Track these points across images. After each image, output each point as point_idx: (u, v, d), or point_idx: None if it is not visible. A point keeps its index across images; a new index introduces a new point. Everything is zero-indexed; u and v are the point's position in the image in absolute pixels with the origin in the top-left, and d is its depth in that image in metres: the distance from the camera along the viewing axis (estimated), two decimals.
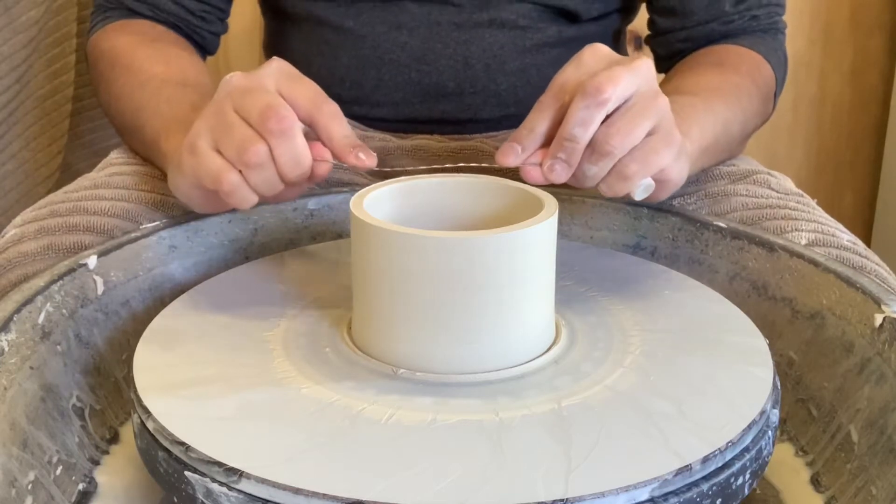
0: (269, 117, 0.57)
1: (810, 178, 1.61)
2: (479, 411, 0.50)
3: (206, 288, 0.64)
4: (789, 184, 0.80)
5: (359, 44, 0.88)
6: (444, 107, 0.90)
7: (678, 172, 0.63)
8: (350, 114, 0.91)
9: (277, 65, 0.62)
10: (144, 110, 0.75)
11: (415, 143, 0.88)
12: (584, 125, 0.58)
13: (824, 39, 1.55)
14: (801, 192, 0.79)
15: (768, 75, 0.85)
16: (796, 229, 0.71)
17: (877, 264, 0.70)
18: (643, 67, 0.60)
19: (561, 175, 0.59)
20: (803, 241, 0.70)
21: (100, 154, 0.85)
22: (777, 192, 0.77)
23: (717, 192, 0.77)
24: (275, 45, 0.97)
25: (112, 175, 0.76)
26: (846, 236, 0.72)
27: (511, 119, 0.91)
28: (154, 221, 0.71)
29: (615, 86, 0.58)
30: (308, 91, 0.61)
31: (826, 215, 0.76)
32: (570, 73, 0.61)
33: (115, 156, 0.82)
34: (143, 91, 0.77)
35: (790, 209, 0.74)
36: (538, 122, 0.61)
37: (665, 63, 0.91)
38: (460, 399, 0.51)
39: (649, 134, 0.60)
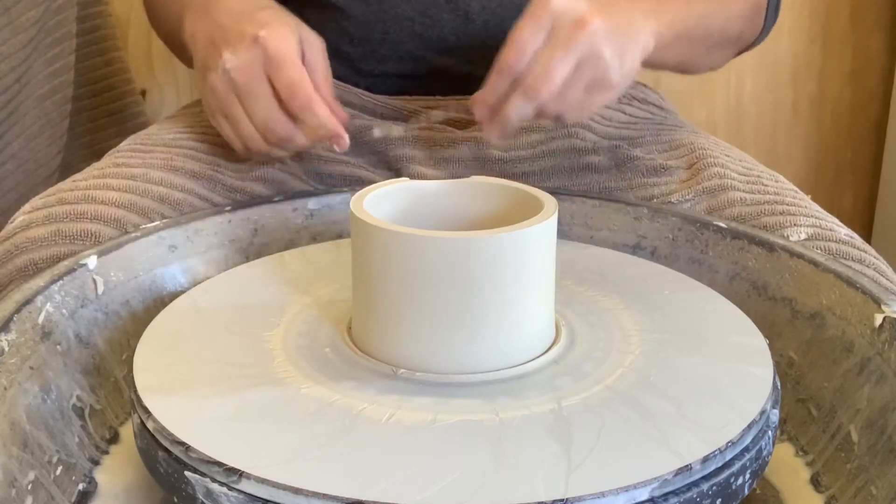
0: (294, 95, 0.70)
1: (810, 178, 1.61)
2: (479, 411, 0.50)
3: (206, 288, 0.64)
4: (783, 179, 0.80)
5: (366, 0, 0.92)
6: (445, 60, 0.92)
7: (625, 74, 0.71)
8: (357, 71, 0.94)
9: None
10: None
11: (416, 135, 0.89)
12: (518, 112, 0.68)
13: (824, 39, 1.55)
14: (795, 187, 0.80)
15: None
16: (795, 224, 0.72)
17: (875, 257, 0.70)
18: (587, 36, 0.67)
19: (496, 138, 0.72)
20: (802, 236, 0.70)
21: (99, 154, 0.85)
22: (773, 187, 0.78)
23: (714, 187, 0.77)
24: None
25: (119, 165, 0.77)
26: (843, 230, 0.72)
27: None
28: (160, 214, 0.71)
29: (551, 85, 0.66)
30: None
31: (822, 210, 0.76)
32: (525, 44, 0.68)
33: (124, 144, 0.83)
34: None
35: (787, 205, 0.74)
36: (491, 95, 0.71)
37: None
38: (460, 399, 0.51)
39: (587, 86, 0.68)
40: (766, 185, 0.78)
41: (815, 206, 0.76)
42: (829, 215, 0.75)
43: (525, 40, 0.68)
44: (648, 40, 0.72)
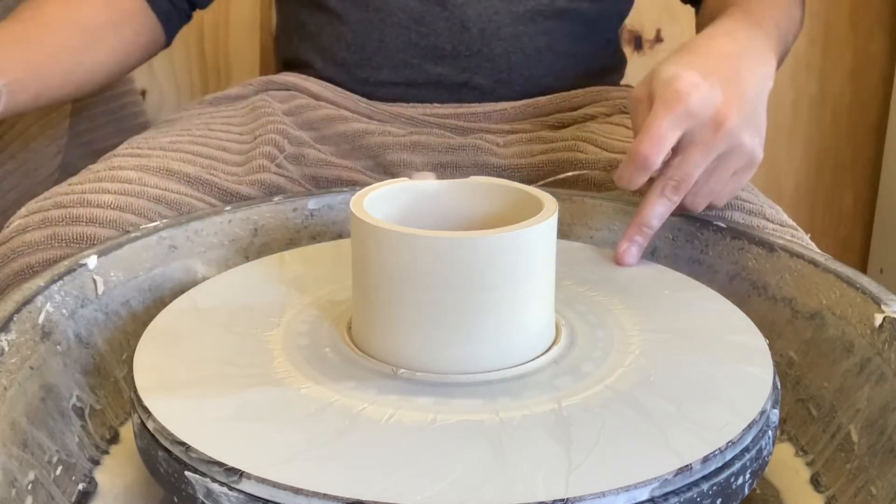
0: None
1: (810, 178, 1.61)
2: (480, 411, 0.50)
3: (206, 288, 0.64)
4: (784, 216, 0.80)
5: (363, 6, 0.92)
6: (441, 69, 0.92)
7: (762, 141, 0.68)
8: (354, 78, 0.95)
9: None
10: None
11: (413, 140, 0.89)
12: (660, 217, 0.66)
13: (824, 39, 1.55)
14: (794, 224, 0.79)
15: None
16: None
17: None
18: (726, 134, 0.64)
19: (634, 258, 0.67)
20: None
21: (99, 154, 0.85)
22: (772, 222, 0.77)
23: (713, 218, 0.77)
24: (286, 26, 1.02)
25: (115, 168, 0.77)
26: None
27: (504, 87, 0.93)
28: (156, 215, 0.71)
29: (694, 187, 0.65)
30: None
31: (820, 251, 0.76)
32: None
33: (121, 148, 0.83)
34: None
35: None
36: (622, 181, 0.66)
37: None
38: (460, 399, 0.51)
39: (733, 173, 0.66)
40: (766, 221, 0.77)
41: (814, 247, 0.76)
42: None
43: (662, 135, 0.62)
44: (771, 79, 0.70)
